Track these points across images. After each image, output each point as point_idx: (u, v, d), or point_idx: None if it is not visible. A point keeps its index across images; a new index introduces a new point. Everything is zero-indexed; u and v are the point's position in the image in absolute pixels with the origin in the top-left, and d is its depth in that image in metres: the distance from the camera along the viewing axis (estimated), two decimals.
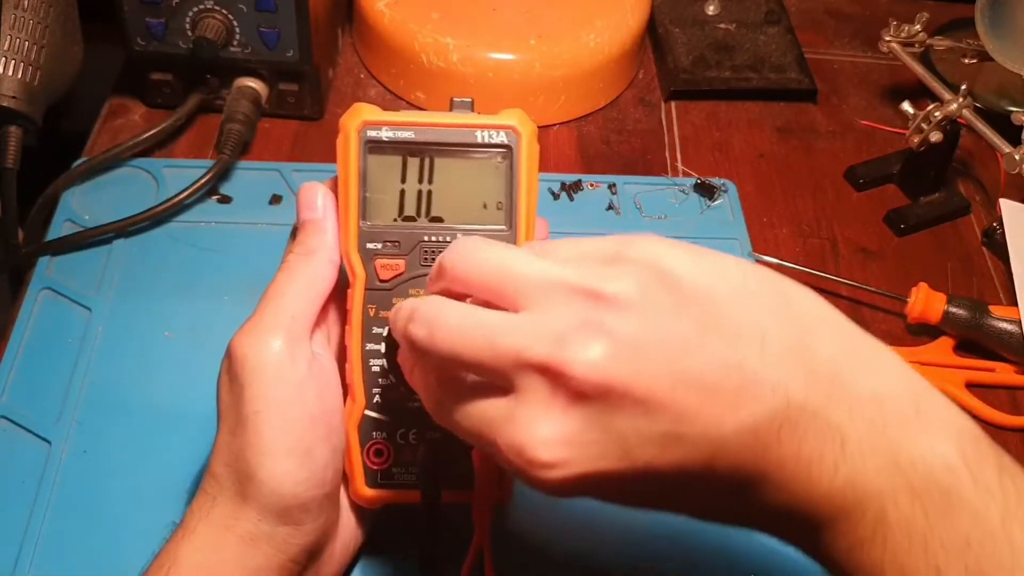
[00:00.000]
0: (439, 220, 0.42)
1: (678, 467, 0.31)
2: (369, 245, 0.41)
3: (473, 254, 0.34)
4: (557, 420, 0.31)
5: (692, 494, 0.32)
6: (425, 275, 0.41)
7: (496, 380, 0.32)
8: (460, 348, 0.32)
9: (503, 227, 0.41)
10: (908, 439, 0.31)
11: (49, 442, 0.51)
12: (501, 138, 0.41)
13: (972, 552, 0.30)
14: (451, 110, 0.42)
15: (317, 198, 0.42)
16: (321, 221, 0.41)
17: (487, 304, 0.34)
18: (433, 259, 0.41)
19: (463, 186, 0.42)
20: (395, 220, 0.42)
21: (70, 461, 0.50)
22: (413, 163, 0.42)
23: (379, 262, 0.41)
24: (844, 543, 0.31)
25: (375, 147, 0.41)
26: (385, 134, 0.41)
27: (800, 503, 0.31)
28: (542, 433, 0.31)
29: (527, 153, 0.41)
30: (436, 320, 0.33)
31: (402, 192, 0.42)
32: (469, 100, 0.42)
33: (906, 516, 0.30)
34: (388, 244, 0.41)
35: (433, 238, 0.41)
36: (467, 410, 0.33)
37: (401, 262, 0.41)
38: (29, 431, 0.51)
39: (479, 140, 0.41)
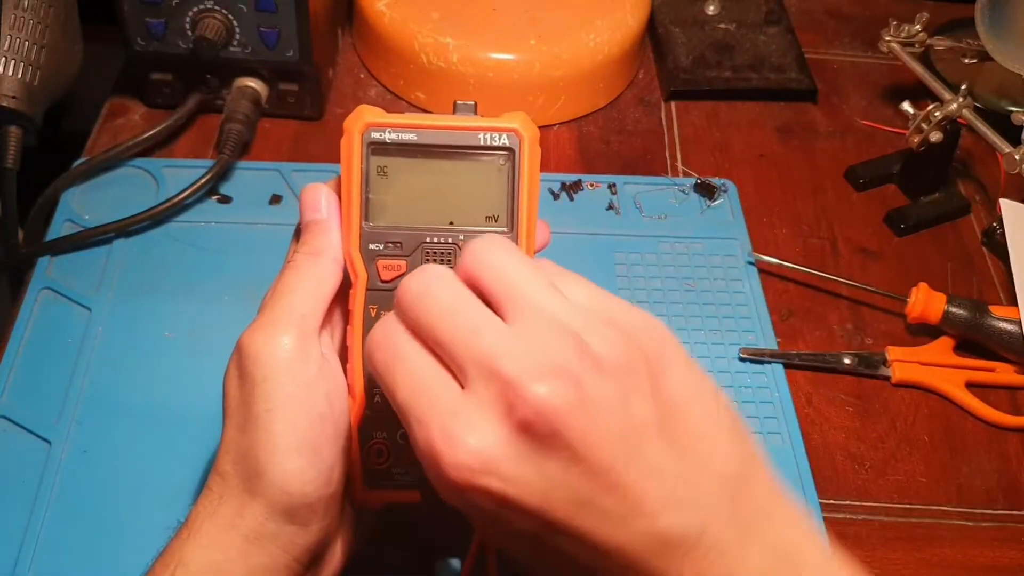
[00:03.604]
0: (441, 222, 0.42)
1: (580, 536, 0.32)
2: (371, 246, 0.41)
3: (492, 254, 0.34)
4: (498, 437, 0.31)
5: (588, 569, 0.33)
6: None
7: (455, 368, 0.33)
8: (440, 322, 0.33)
9: (505, 229, 0.42)
10: None
11: (49, 442, 0.51)
12: (504, 141, 0.41)
13: None
14: (454, 112, 0.42)
15: (321, 199, 0.42)
16: (326, 222, 0.41)
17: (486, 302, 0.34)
18: (435, 260, 0.41)
19: (465, 188, 0.42)
20: (397, 221, 0.42)
21: (70, 461, 0.50)
22: (416, 165, 0.42)
23: (381, 263, 0.41)
24: None
25: (378, 148, 0.41)
26: (388, 136, 0.41)
27: None
28: (479, 439, 0.31)
29: (529, 156, 0.41)
30: (432, 285, 0.34)
31: (404, 193, 0.42)
32: (472, 103, 0.42)
33: None
34: (390, 245, 0.41)
35: (435, 239, 0.41)
36: (415, 378, 0.33)
37: (403, 263, 0.41)
38: (29, 431, 0.51)
39: (482, 143, 0.41)
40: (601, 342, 0.32)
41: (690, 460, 0.32)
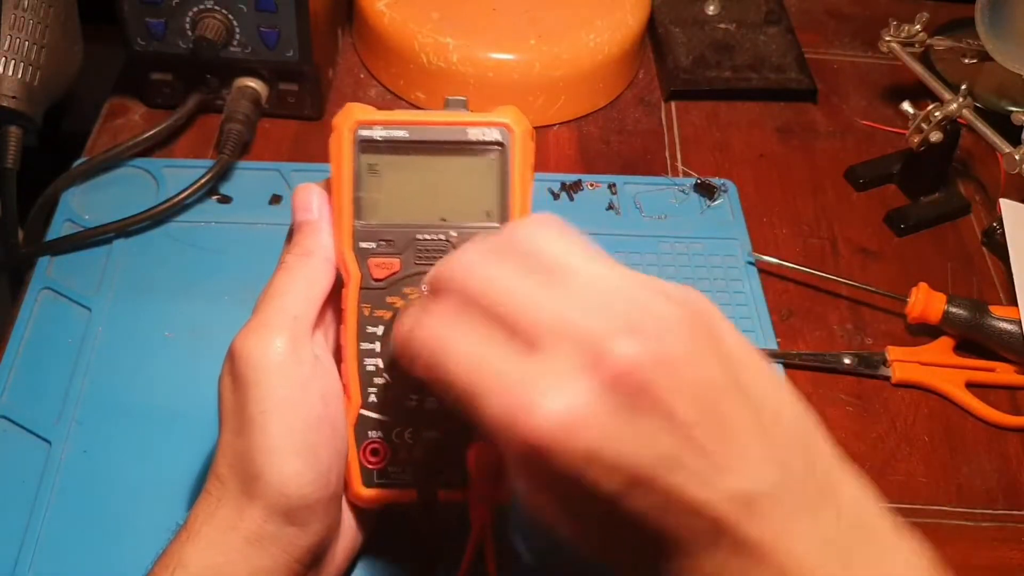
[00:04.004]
0: (433, 218, 0.42)
1: (666, 494, 0.31)
2: (363, 244, 0.41)
3: (477, 271, 0.33)
4: (587, 394, 0.30)
5: (660, 535, 0.32)
6: (419, 273, 0.41)
7: (521, 338, 0.31)
8: (497, 295, 0.32)
9: (497, 225, 0.41)
10: (889, 552, 0.33)
11: (49, 442, 0.51)
12: (495, 135, 0.41)
13: None
14: (445, 108, 0.42)
15: (312, 199, 0.42)
16: (317, 222, 0.41)
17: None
18: (427, 258, 0.41)
19: (457, 184, 0.42)
20: (389, 219, 0.42)
21: (70, 461, 0.50)
22: (407, 162, 0.41)
23: (373, 261, 0.41)
24: None
25: (368, 146, 0.41)
26: (378, 133, 0.41)
27: None
28: (567, 398, 0.30)
29: (521, 150, 0.41)
30: (475, 264, 0.33)
31: (396, 191, 0.42)
32: (463, 99, 0.42)
33: None
34: (382, 243, 0.41)
35: (427, 236, 0.41)
36: (474, 354, 0.32)
37: (395, 261, 0.41)
38: (29, 431, 0.51)
39: (472, 138, 0.41)
40: (662, 305, 0.31)
41: (763, 416, 0.32)
